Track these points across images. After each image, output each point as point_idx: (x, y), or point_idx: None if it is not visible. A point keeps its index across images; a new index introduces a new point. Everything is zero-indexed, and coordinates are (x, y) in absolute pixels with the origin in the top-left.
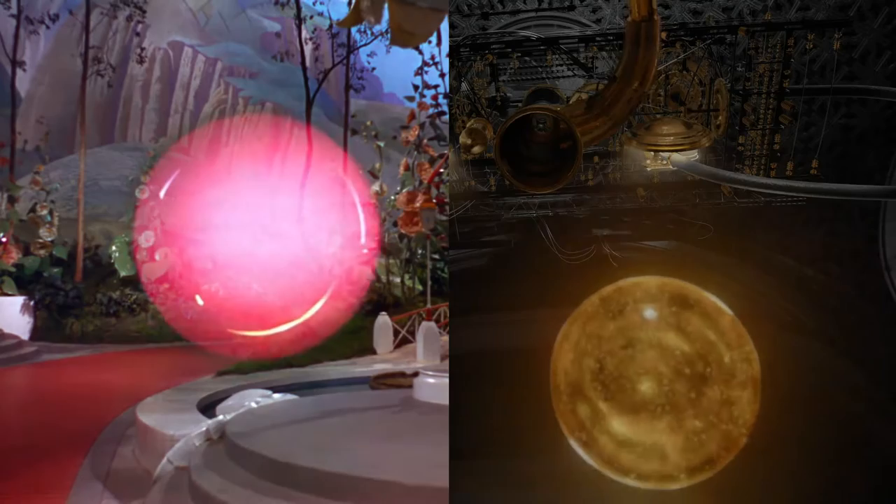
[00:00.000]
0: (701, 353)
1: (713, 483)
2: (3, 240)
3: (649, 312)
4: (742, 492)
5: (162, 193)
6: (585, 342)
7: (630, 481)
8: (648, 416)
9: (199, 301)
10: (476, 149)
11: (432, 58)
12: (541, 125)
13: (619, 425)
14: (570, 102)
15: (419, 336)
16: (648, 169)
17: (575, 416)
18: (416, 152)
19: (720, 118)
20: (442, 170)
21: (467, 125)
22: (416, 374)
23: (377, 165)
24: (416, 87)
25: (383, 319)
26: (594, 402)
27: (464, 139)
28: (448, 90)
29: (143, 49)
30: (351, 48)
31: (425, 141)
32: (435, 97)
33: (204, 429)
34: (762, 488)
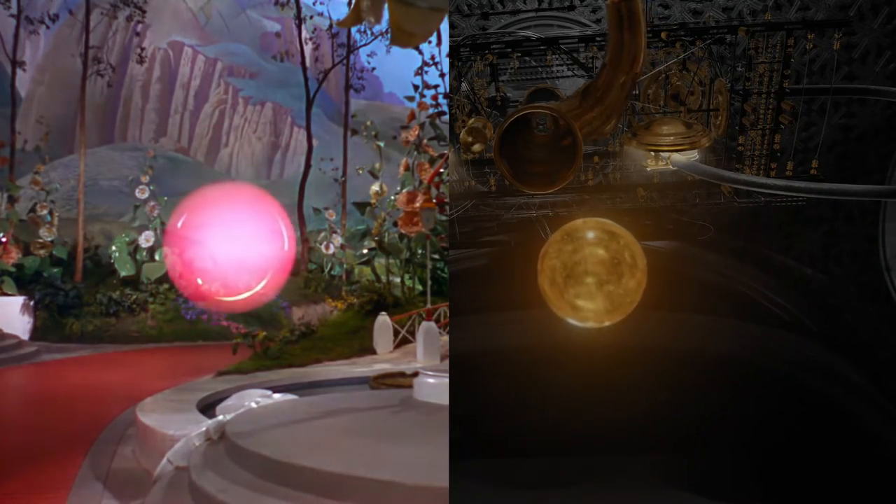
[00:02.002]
0: (616, 259)
1: (623, 322)
2: (3, 240)
3: (590, 235)
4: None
5: (179, 223)
6: (555, 254)
7: (586, 324)
8: (589, 292)
9: (199, 281)
10: (476, 147)
11: (432, 58)
12: (540, 126)
13: (574, 298)
14: (566, 98)
15: (419, 336)
16: (648, 169)
17: (552, 296)
18: (416, 152)
19: (720, 118)
20: (442, 170)
21: (468, 124)
22: (416, 374)
23: (377, 165)
24: (416, 87)
25: (383, 319)
26: (559, 286)
27: (464, 137)
28: (448, 90)
29: (143, 49)
30: (351, 48)
31: (425, 141)
32: (435, 97)
33: (204, 429)
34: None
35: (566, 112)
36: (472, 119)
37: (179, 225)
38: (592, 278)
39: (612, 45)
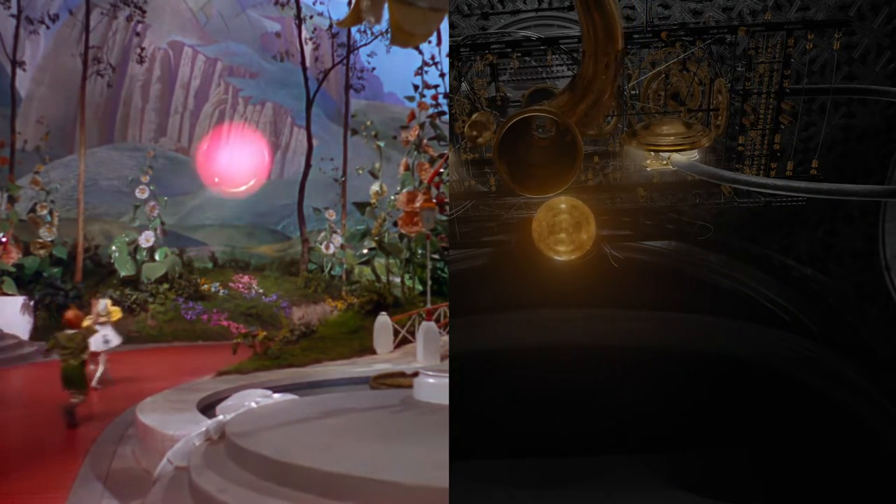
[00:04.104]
0: (577, 221)
1: (584, 257)
2: (3, 240)
3: (562, 206)
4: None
5: (205, 147)
6: (542, 218)
7: (560, 258)
8: (563, 241)
9: (216, 179)
10: (481, 140)
11: (432, 58)
12: (540, 129)
13: (553, 244)
14: (556, 95)
15: (419, 336)
16: (648, 169)
17: (541, 244)
18: (416, 152)
19: (720, 118)
20: (442, 170)
21: (471, 119)
22: (416, 374)
23: (377, 165)
24: (416, 87)
25: (383, 319)
26: (545, 237)
27: (468, 132)
28: (448, 90)
29: (143, 49)
30: (351, 48)
31: (425, 141)
32: (435, 97)
33: (204, 429)
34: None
35: (558, 108)
36: (476, 114)
37: (205, 148)
38: (564, 233)
39: (586, 31)
